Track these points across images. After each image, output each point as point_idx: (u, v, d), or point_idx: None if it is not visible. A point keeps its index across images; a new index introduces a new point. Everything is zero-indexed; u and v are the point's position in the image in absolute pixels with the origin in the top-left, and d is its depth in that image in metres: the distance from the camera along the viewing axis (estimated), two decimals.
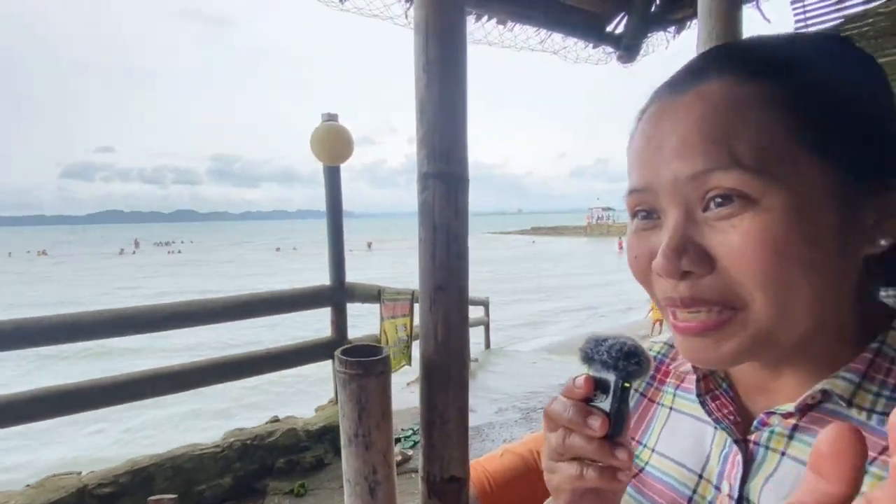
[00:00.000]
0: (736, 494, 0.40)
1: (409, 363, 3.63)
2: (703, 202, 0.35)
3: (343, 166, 4.41)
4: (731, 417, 0.43)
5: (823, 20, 2.16)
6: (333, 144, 4.22)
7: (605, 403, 0.37)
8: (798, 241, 0.33)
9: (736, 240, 0.34)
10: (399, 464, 3.67)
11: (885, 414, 0.34)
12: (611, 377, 0.37)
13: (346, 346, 1.22)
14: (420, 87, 1.22)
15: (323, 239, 4.41)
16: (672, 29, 3.45)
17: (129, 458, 3.16)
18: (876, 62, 0.38)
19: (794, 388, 0.40)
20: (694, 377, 0.46)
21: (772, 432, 0.40)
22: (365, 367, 1.16)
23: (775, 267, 0.33)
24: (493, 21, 3.00)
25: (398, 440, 3.92)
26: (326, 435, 3.77)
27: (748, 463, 0.41)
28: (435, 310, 1.24)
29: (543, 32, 3.28)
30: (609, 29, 3.53)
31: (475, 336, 7.01)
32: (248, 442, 3.48)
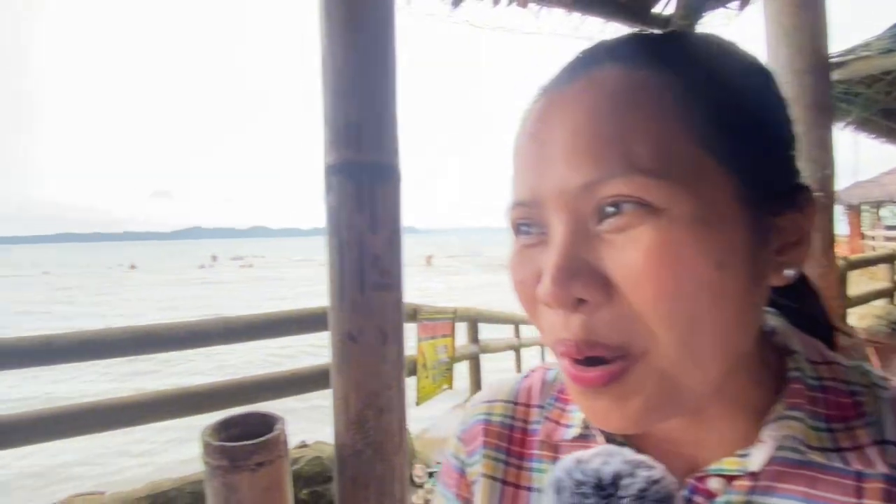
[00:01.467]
0: None
1: (451, 386, 3.42)
2: (597, 213, 0.30)
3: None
4: None
5: None
6: None
7: None
8: (707, 261, 0.28)
9: (635, 257, 0.28)
10: None
11: (841, 450, 0.31)
12: None
13: (228, 417, 0.84)
14: (324, 40, 0.83)
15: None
16: (735, 3, 2.83)
17: (150, 481, 2.99)
18: (768, 70, 0.34)
19: (720, 440, 0.34)
20: (575, 444, 0.38)
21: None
22: (232, 455, 0.77)
23: (681, 290, 0.28)
24: (513, 3, 2.57)
25: (420, 485, 3.48)
26: None
27: None
28: (345, 370, 0.83)
29: (576, 17, 2.80)
30: (656, 10, 2.98)
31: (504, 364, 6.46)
32: None
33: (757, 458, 0.32)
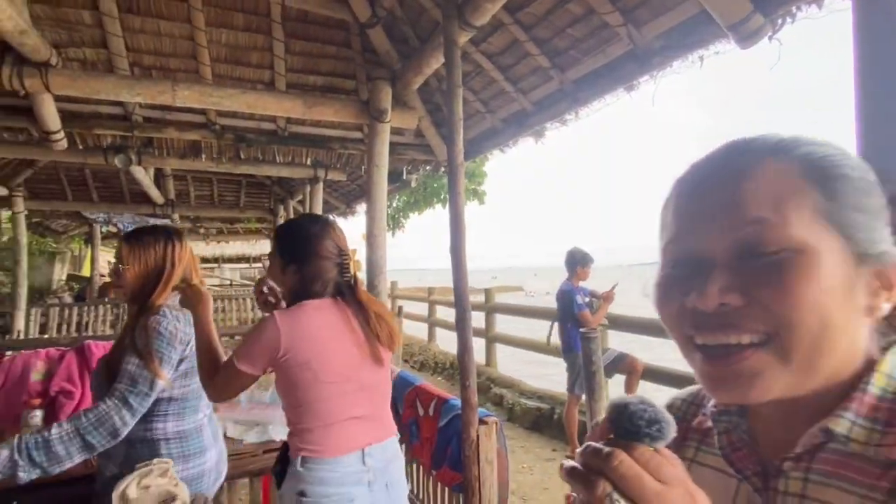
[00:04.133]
0: None
1: None
2: None
3: None
4: (753, 468, 0.46)
5: None
6: None
7: None
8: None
9: None
10: None
11: (881, 445, 0.39)
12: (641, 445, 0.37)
13: None
14: None
15: None
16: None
17: None
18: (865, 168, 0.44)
19: (798, 425, 0.43)
20: (716, 432, 0.50)
21: (788, 478, 0.43)
22: None
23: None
24: None
25: None
26: None
27: None
28: None
29: None
30: None
31: None
32: None
33: (802, 442, 0.42)
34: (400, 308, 8.44)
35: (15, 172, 5.68)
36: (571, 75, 2.60)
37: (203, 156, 3.80)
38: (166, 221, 7.57)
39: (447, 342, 8.01)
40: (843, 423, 0.40)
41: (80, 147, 3.48)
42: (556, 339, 4.20)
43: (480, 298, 7.30)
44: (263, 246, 12.25)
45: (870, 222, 0.42)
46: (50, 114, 2.86)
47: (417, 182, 4.77)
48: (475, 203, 9.70)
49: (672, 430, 0.37)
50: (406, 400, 2.59)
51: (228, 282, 15.20)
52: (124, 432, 1.37)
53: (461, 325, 2.05)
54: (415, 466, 2.63)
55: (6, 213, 6.55)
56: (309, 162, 4.37)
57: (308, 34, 3.07)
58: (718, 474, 0.49)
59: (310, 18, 3.01)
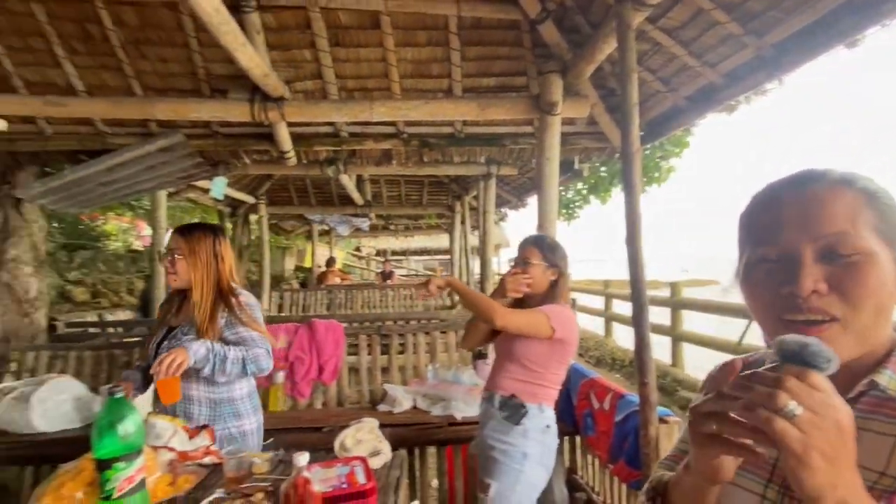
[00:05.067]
0: None
1: None
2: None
3: None
4: None
5: None
6: None
7: None
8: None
9: None
10: None
11: None
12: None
13: None
14: None
15: None
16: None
17: None
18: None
19: (855, 378, 0.59)
20: None
21: None
22: None
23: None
24: None
25: None
26: None
27: None
28: None
29: None
30: None
31: None
32: None
33: (857, 388, 0.58)
34: (573, 301, 8.29)
35: (259, 184, 7.19)
36: (771, 39, 2.26)
37: (394, 161, 4.30)
38: (365, 220, 8.67)
39: (626, 338, 7.62)
40: (884, 377, 0.57)
41: (304, 162, 4.26)
42: (757, 342, 3.70)
43: (666, 293, 6.76)
44: (442, 240, 13.16)
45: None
46: (284, 137, 3.57)
47: (590, 171, 4.64)
48: (663, 182, 8.86)
49: (835, 367, 0.47)
50: (580, 392, 2.60)
51: (414, 272, 16.75)
52: (267, 371, 1.82)
53: (638, 321, 1.99)
54: (590, 458, 2.63)
55: (254, 217, 8.29)
56: (483, 160, 4.60)
57: (481, 39, 3.24)
58: None
59: (483, 24, 3.17)
